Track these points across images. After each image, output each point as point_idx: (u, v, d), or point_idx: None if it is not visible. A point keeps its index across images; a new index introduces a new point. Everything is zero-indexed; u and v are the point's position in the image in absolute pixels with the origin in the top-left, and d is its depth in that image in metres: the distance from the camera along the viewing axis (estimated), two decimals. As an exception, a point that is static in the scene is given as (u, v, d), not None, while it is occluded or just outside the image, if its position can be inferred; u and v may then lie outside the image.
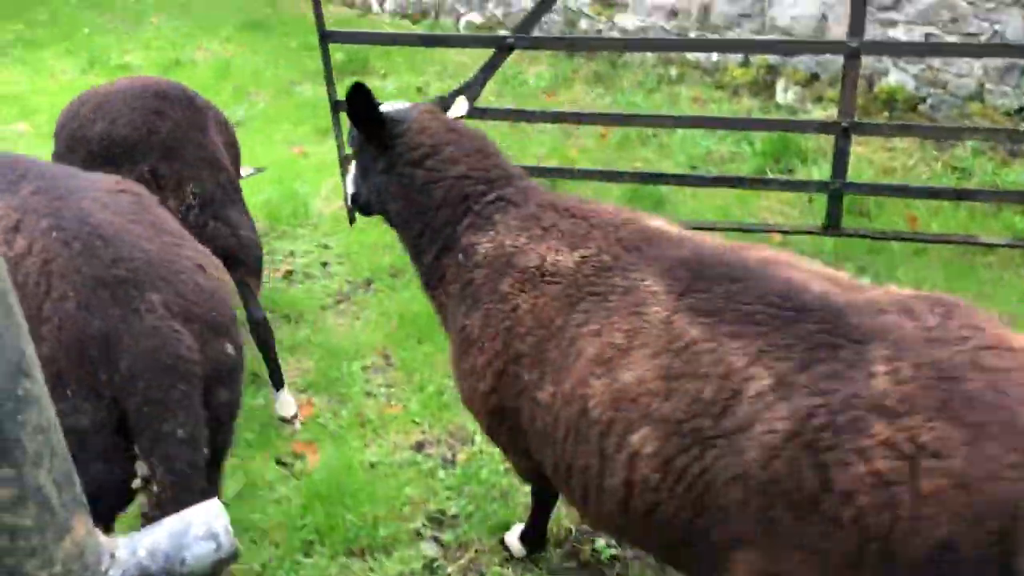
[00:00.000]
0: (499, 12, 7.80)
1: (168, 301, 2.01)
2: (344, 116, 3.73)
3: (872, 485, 1.45)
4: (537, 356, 2.02)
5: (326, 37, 4.66)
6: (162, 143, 3.16)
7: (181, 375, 1.97)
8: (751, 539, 1.64)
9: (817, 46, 5.14)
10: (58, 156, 3.29)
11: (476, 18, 8.08)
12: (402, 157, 2.41)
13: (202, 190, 3.20)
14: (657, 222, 2.13)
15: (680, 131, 5.63)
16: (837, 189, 4.28)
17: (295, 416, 3.40)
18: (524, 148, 5.64)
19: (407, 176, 2.41)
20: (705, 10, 6.24)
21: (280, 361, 3.47)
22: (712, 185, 4.73)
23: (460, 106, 2.90)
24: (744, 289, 1.75)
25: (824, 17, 5.56)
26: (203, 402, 2.03)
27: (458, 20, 8.12)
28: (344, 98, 2.44)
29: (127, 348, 1.93)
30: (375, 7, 9.05)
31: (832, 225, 4.37)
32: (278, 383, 3.43)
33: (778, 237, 4.49)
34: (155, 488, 1.98)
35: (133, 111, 3.19)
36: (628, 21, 6.71)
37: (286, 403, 3.42)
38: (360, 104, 2.39)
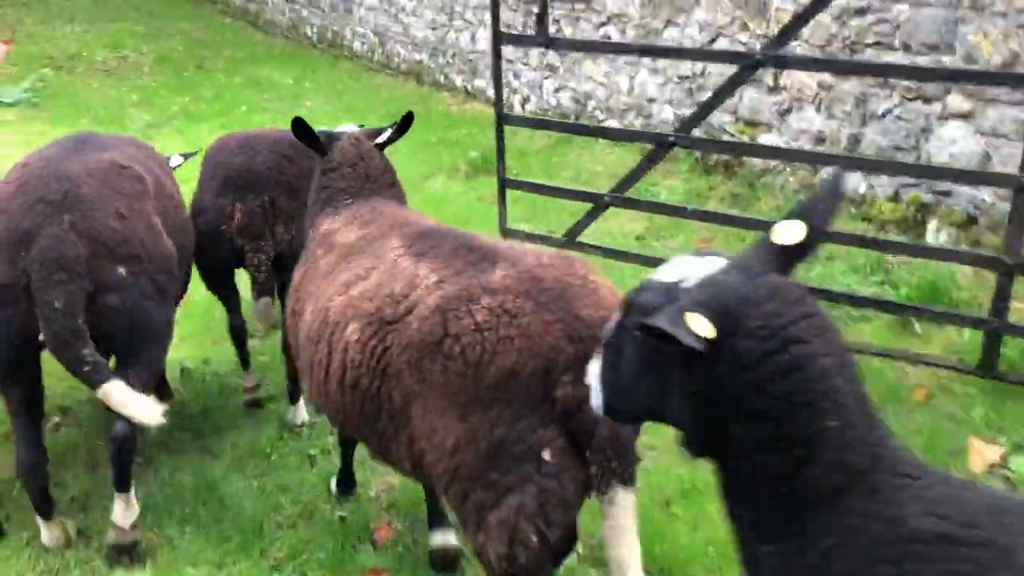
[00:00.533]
0: (638, 123, 7.74)
1: (75, 221, 3.07)
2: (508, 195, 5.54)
3: (472, 330, 2.26)
4: (314, 291, 2.86)
5: (502, 119, 5.36)
6: (287, 182, 4.03)
7: (61, 266, 3.00)
8: (416, 391, 2.36)
9: (983, 177, 4.76)
10: (204, 178, 4.13)
11: (615, 126, 8.06)
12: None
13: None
14: (428, 220, 3.10)
15: (819, 265, 5.32)
16: (995, 329, 3.92)
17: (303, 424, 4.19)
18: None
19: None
20: (855, 140, 5.96)
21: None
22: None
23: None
24: (445, 243, 2.61)
25: (988, 156, 5.18)
26: (91, 298, 3.05)
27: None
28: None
29: (36, 241, 3.02)
30: (517, 108, 9.17)
31: (987, 367, 4.00)
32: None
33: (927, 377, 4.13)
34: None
35: (270, 152, 4.03)
36: (772, 142, 6.49)
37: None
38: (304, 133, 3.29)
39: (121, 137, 4.07)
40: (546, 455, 2.21)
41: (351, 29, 12.90)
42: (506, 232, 5.53)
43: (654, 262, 4.43)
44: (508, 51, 9.16)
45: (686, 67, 7.15)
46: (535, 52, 8.70)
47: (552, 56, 8.46)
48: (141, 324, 3.24)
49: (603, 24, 7.92)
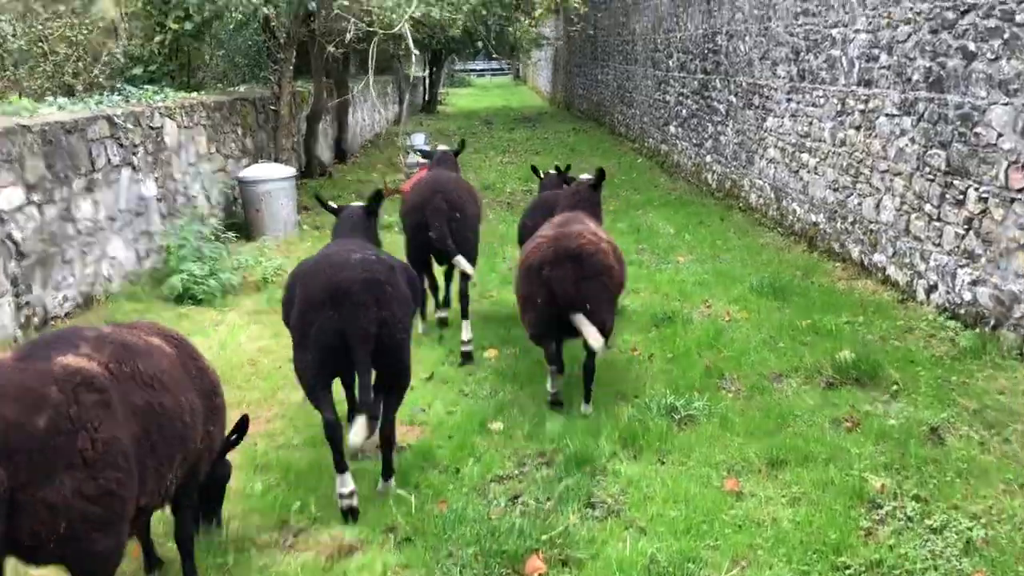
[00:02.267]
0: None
1: None
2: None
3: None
4: None
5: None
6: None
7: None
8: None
9: None
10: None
11: (1052, 341, 6.00)
12: None
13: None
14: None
15: None
16: None
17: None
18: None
19: None
20: None
21: None
22: None
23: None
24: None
25: None
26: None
27: (1026, 338, 6.11)
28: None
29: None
30: (920, 294, 7.41)
31: None
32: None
33: None
34: None
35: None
36: None
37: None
38: None
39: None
40: None
41: (749, 180, 11.93)
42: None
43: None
44: (918, 225, 7.48)
45: None
46: (951, 229, 6.96)
47: (972, 239, 6.66)
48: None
49: (1049, 208, 6.01)
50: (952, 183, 6.96)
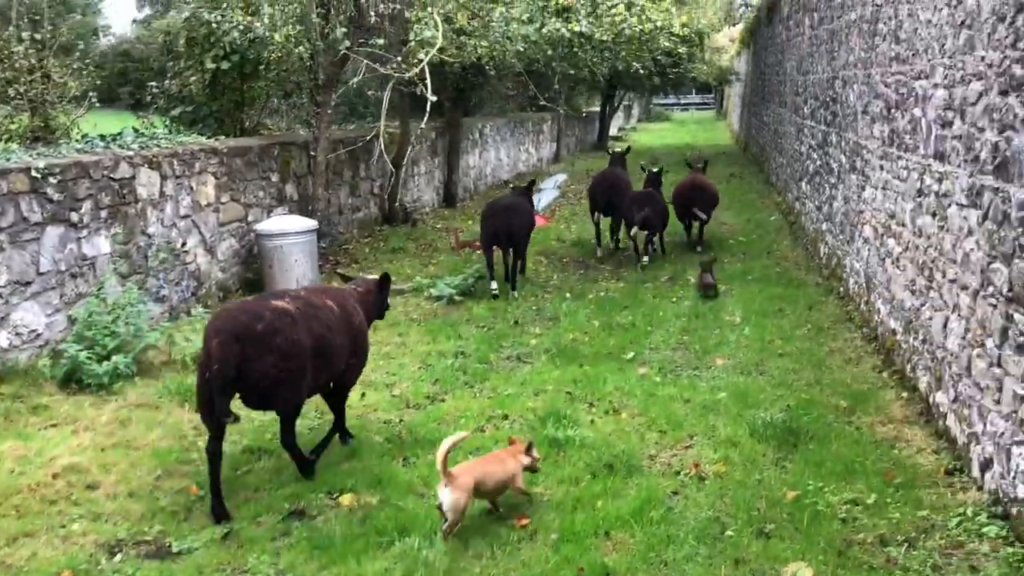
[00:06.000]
0: None
1: None
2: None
3: None
4: None
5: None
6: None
7: None
8: None
9: None
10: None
11: None
12: None
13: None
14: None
15: None
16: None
17: None
18: None
19: None
20: None
21: None
22: None
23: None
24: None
25: None
26: None
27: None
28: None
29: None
30: (974, 466, 5.13)
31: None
32: None
33: None
34: None
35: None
36: None
37: None
38: None
39: None
40: None
41: (850, 261, 9.57)
42: None
43: None
44: (979, 367, 5.21)
45: None
46: (1011, 385, 4.68)
47: (1031, 408, 4.39)
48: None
49: None
50: (1013, 315, 4.70)
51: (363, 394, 6.99)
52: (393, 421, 6.53)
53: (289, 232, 10.05)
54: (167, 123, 11.32)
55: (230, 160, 10.02)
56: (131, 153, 8.44)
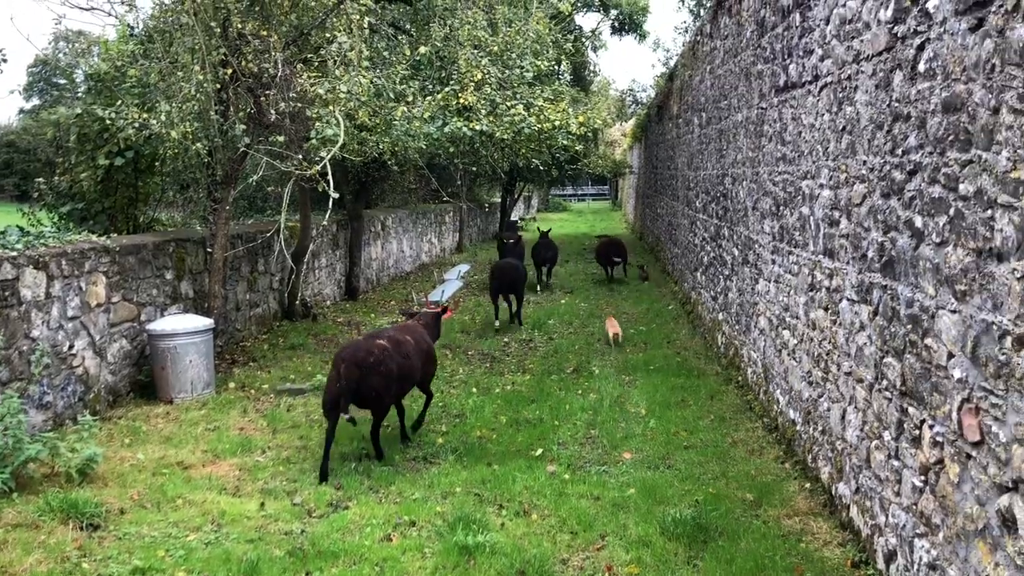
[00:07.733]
0: None
1: None
2: None
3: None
4: None
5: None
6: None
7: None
8: None
9: None
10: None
11: None
12: None
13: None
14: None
15: None
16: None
17: None
18: None
19: None
20: None
21: None
22: None
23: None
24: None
25: None
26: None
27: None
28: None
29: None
30: (879, 559, 5.20)
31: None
32: None
33: None
34: None
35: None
36: None
37: None
38: None
39: None
40: None
41: (747, 351, 9.85)
42: None
43: None
44: (878, 459, 5.34)
45: None
46: (909, 477, 4.81)
47: (929, 499, 4.51)
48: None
49: None
50: (907, 409, 4.87)
51: (262, 503, 6.65)
52: (295, 532, 6.20)
53: (183, 332, 9.67)
54: (55, 219, 10.86)
55: (122, 258, 9.64)
56: (15, 253, 8.02)
